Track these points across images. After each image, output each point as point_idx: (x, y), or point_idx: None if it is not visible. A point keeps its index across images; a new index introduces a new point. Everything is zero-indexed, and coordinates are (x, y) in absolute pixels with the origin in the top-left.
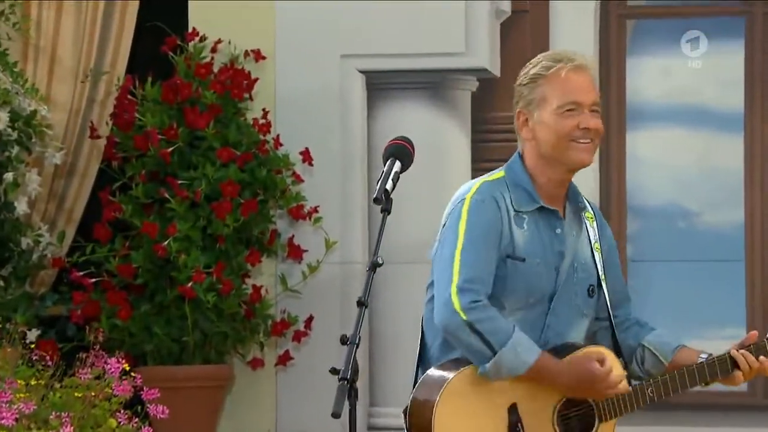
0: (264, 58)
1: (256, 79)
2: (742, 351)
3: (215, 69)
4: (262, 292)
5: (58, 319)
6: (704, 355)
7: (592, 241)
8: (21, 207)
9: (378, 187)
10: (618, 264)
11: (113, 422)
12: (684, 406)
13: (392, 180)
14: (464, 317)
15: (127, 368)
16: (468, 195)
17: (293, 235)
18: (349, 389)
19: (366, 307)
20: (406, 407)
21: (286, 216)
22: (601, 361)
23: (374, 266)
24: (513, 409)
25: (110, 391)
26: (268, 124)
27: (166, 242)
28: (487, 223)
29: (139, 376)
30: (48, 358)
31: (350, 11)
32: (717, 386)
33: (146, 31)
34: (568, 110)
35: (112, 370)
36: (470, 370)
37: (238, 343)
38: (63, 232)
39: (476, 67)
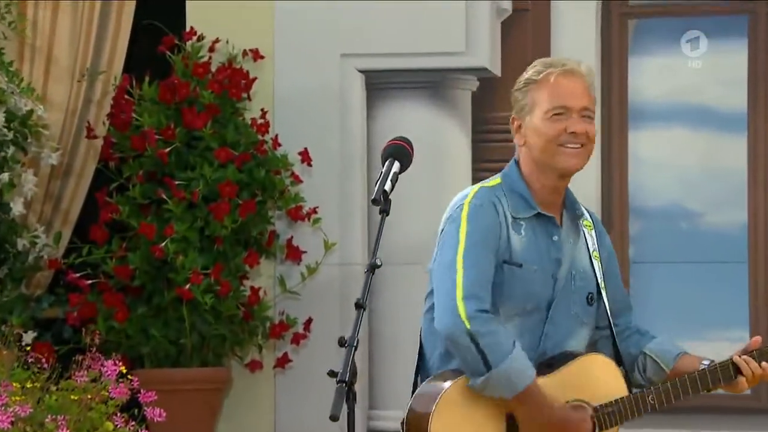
0: (262, 57)
1: (255, 79)
2: (745, 357)
3: (213, 68)
4: (261, 293)
5: (54, 321)
6: (706, 362)
7: (591, 249)
8: (17, 208)
9: (376, 188)
10: (618, 273)
11: (110, 425)
12: (686, 409)
13: (391, 181)
14: (468, 326)
15: (124, 371)
16: (466, 200)
17: (292, 237)
18: (347, 392)
19: (364, 309)
20: (404, 419)
21: (285, 217)
22: (583, 420)
23: (373, 268)
24: (511, 418)
25: (107, 394)
26: (267, 124)
27: (163, 243)
28: (487, 228)
29: (136, 379)
30: (44, 360)
31: (350, 10)
32: (720, 390)
33: (143, 30)
34: (556, 114)
35: (109, 372)
36: (467, 380)
37: (236, 345)
38: (59, 233)
39: (477, 66)
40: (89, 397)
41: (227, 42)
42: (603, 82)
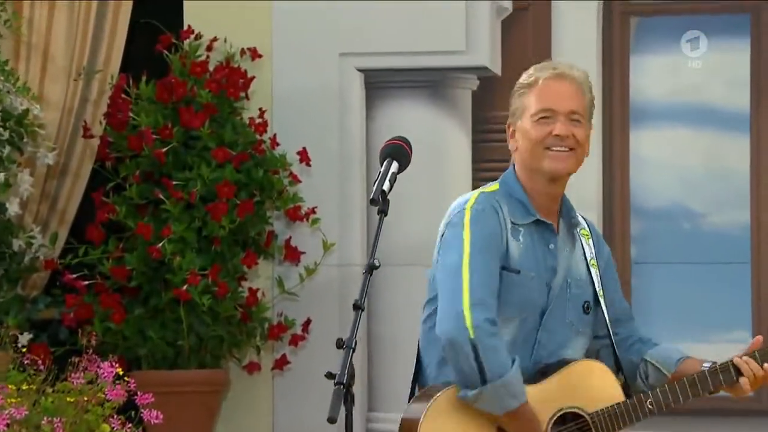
0: (260, 56)
1: (253, 78)
2: (746, 358)
3: (211, 67)
4: (259, 295)
5: (51, 322)
6: (707, 364)
7: (588, 258)
8: (13, 208)
9: (374, 189)
10: (617, 281)
11: (106, 428)
12: (687, 411)
13: (389, 181)
14: (471, 335)
15: (121, 372)
16: (468, 205)
17: (290, 237)
18: (345, 394)
19: (362, 310)
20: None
21: (283, 217)
22: None
23: (371, 268)
24: (501, 430)
25: (103, 396)
26: (265, 124)
27: (160, 244)
28: (490, 233)
29: (133, 381)
30: (40, 362)
31: (349, 9)
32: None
33: (140, 29)
34: (542, 117)
35: (106, 374)
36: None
37: (234, 347)
38: (55, 234)
39: (477, 65)
40: (86, 399)
41: (225, 41)
42: (604, 82)
